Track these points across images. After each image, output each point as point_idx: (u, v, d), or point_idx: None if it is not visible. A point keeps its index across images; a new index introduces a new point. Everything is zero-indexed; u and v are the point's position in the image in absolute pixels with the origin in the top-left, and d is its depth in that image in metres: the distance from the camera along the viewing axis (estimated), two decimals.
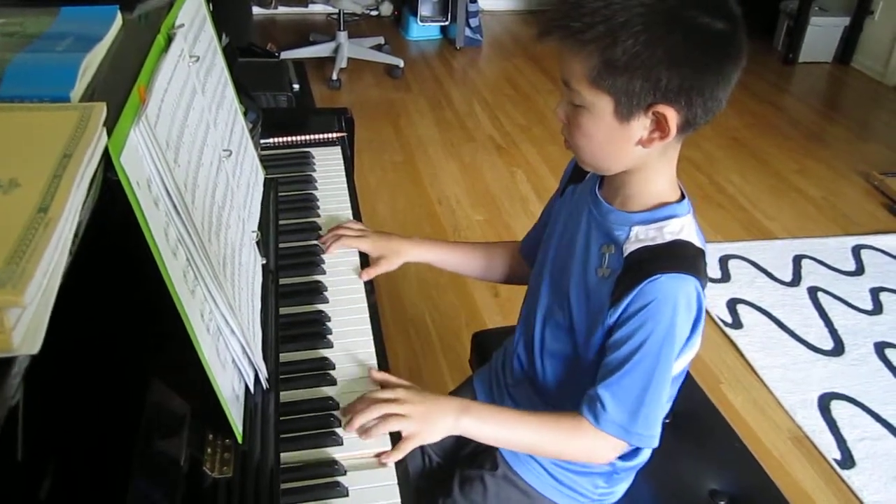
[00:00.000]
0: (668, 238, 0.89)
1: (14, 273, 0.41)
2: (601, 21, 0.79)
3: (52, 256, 0.45)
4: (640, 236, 0.90)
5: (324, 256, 1.21)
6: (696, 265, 0.89)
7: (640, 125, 0.85)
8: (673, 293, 0.86)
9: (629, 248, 0.90)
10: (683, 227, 0.90)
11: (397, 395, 0.93)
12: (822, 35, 4.24)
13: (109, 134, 0.62)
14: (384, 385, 0.97)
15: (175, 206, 0.73)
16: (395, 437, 0.92)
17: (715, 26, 0.81)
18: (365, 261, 1.22)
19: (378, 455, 0.89)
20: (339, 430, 0.92)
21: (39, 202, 0.48)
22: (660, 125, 0.84)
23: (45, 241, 0.44)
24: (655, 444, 0.93)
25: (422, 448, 1.16)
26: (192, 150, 0.83)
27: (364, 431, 0.91)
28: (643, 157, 0.88)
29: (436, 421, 0.92)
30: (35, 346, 0.42)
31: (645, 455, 1.04)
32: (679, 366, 0.92)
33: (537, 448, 0.98)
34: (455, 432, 0.94)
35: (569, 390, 0.96)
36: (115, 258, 0.70)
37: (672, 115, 0.83)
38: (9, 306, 0.41)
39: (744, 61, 0.85)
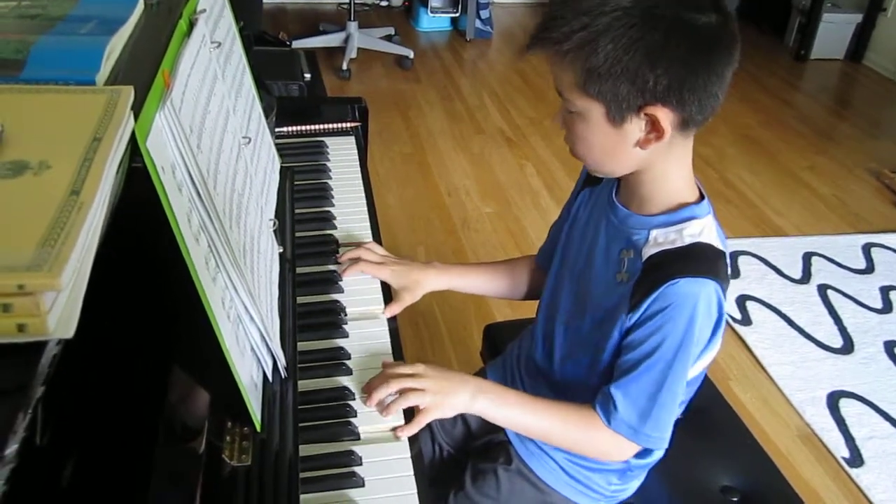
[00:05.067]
0: (688, 241, 0.87)
1: (50, 256, 0.41)
2: (580, 29, 0.79)
3: (85, 240, 0.44)
4: (659, 240, 0.89)
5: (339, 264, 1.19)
6: (717, 268, 0.87)
7: (636, 127, 0.83)
8: (692, 297, 0.85)
9: (648, 252, 0.89)
10: (703, 229, 0.88)
11: (416, 370, 0.94)
12: (834, 32, 4.20)
13: (135, 118, 0.61)
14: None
15: (198, 193, 0.72)
16: (409, 413, 0.93)
17: (699, 20, 0.79)
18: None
19: (393, 429, 0.91)
20: (355, 421, 0.92)
21: (71, 185, 0.47)
22: (654, 126, 0.82)
23: (79, 224, 0.44)
24: (664, 447, 0.93)
25: (433, 438, 1.17)
26: (213, 137, 0.83)
27: (384, 407, 0.92)
28: (645, 158, 0.87)
29: (452, 396, 0.92)
30: (69, 331, 0.42)
31: (659, 453, 1.03)
32: (697, 368, 0.92)
33: (549, 436, 0.98)
34: (470, 410, 0.94)
35: (587, 392, 0.96)
36: (137, 245, 0.70)
37: (665, 115, 0.81)
38: (45, 289, 0.40)
39: (737, 54, 0.82)
